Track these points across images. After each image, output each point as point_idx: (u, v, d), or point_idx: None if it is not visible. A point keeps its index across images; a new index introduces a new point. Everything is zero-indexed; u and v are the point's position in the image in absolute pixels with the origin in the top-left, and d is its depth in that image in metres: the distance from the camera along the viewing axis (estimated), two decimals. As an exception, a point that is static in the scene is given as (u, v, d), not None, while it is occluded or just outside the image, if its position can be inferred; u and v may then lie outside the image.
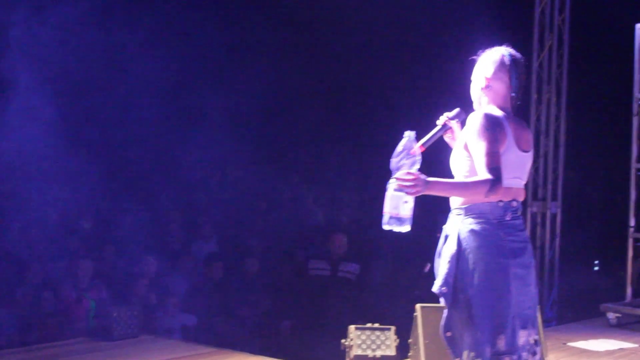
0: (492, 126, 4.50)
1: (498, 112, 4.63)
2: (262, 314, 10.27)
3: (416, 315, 7.05)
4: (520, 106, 10.42)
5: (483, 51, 4.81)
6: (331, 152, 16.08)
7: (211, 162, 14.12)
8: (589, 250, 12.37)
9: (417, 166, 4.47)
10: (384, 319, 7.56)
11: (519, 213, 4.67)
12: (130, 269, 10.14)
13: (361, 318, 7.56)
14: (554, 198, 10.74)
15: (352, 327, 7.21)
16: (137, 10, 11.34)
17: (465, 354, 4.57)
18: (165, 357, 7.86)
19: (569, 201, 11.34)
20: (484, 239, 4.52)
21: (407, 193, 4.38)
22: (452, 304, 4.58)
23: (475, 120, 4.56)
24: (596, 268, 12.53)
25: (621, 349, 8.19)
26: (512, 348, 4.52)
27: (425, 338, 6.95)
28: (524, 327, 4.58)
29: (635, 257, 9.34)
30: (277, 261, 11.18)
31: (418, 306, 7.10)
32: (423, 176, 4.35)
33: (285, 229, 12.78)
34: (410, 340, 7.22)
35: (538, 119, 10.72)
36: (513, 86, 4.70)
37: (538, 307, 4.84)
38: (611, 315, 9.00)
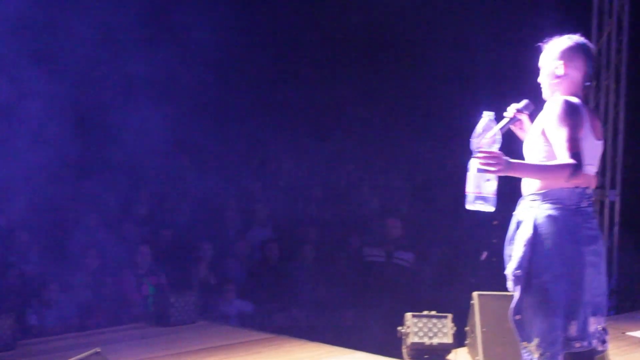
0: (572, 112, 4.48)
1: (575, 100, 4.59)
2: (318, 301, 10.30)
3: (473, 303, 7.06)
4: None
5: (550, 39, 4.77)
6: (385, 139, 16.08)
7: (266, 151, 14.20)
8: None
9: (497, 145, 4.49)
10: (440, 307, 7.56)
11: (593, 199, 4.67)
12: (188, 255, 10.24)
13: (417, 305, 7.57)
14: (613, 186, 10.64)
15: (408, 315, 7.22)
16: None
17: (535, 341, 4.56)
18: (222, 342, 7.94)
19: (628, 189, 11.22)
20: (562, 225, 4.51)
21: (490, 172, 4.40)
22: (525, 288, 4.58)
23: (555, 106, 4.54)
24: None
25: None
26: (583, 334, 4.53)
27: (482, 326, 6.96)
28: (594, 315, 4.57)
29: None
30: (332, 248, 11.21)
31: (475, 294, 7.10)
32: (505, 156, 4.37)
33: (339, 216, 12.82)
34: (467, 328, 7.23)
35: (597, 106, 10.62)
36: (587, 75, 4.70)
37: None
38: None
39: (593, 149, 4.60)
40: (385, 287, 9.63)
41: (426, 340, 7.14)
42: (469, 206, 4.59)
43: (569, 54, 4.67)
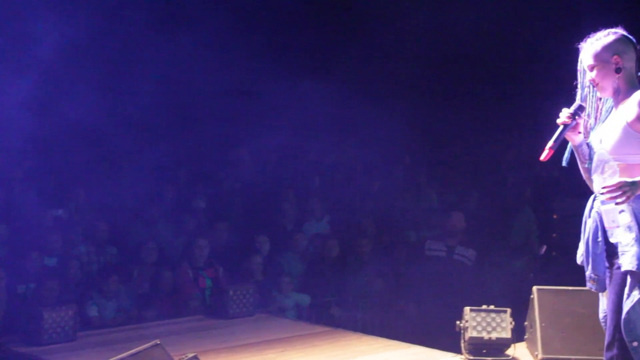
0: None
1: None
2: (376, 295, 10.31)
3: (533, 298, 7.02)
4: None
5: (588, 37, 4.71)
6: (443, 134, 16.03)
7: (324, 144, 14.21)
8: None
9: (617, 175, 4.49)
10: (500, 302, 7.53)
11: None
12: (245, 247, 10.30)
13: (477, 301, 7.54)
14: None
15: (467, 309, 7.19)
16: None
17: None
18: (280, 335, 7.98)
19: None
20: None
21: (620, 203, 4.39)
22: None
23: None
24: None
25: None
26: None
27: (541, 321, 6.91)
28: None
29: None
30: (391, 242, 11.20)
31: (535, 288, 7.06)
32: (626, 180, 4.37)
33: (397, 209, 12.81)
34: (526, 323, 7.20)
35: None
36: (638, 66, 4.65)
37: None
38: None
39: None
40: (445, 282, 9.60)
41: (485, 335, 7.09)
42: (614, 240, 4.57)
43: (622, 47, 4.61)
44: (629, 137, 4.52)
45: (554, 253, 10.91)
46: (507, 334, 7.12)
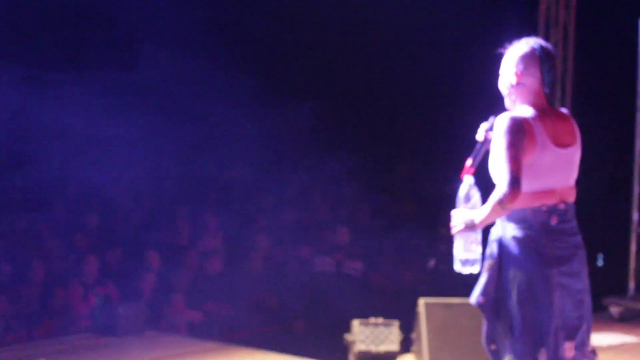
0: (511, 130, 4.19)
1: (528, 112, 4.29)
2: (268, 310, 10.34)
3: (419, 311, 7.13)
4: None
5: (510, 44, 4.43)
6: (335, 148, 16.20)
7: (220, 160, 14.16)
8: (591, 245, 12.36)
9: (472, 203, 4.41)
10: (389, 315, 7.62)
11: (569, 216, 4.32)
12: (136, 264, 10.21)
13: (367, 314, 7.63)
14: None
15: (355, 322, 7.27)
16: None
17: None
18: (170, 352, 7.94)
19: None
20: (526, 246, 4.25)
21: (453, 234, 4.45)
22: (495, 314, 4.35)
23: (499, 124, 4.25)
24: (599, 262, 12.56)
25: (624, 344, 8.25)
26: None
27: (428, 333, 7.03)
28: (569, 339, 4.28)
29: (638, 251, 9.38)
30: (283, 256, 11.24)
31: (421, 301, 7.17)
32: (469, 214, 4.33)
33: (289, 224, 12.85)
34: (413, 335, 7.30)
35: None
36: (546, 82, 4.32)
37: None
38: (614, 310, 9.05)
39: (559, 159, 4.29)
40: (334, 296, 9.68)
41: (373, 348, 7.19)
42: (458, 269, 4.54)
43: (523, 61, 4.34)
44: (494, 161, 4.37)
45: (442, 266, 11.07)
46: (395, 346, 7.23)
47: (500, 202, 4.12)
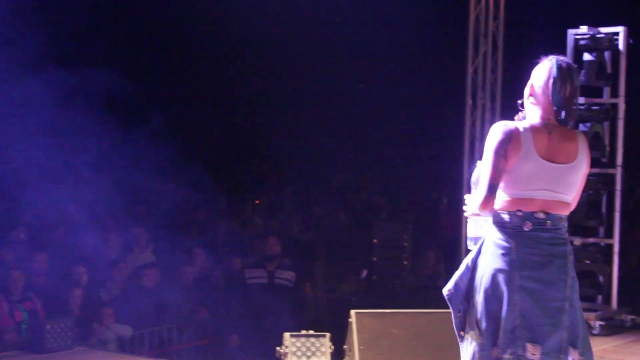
0: (497, 139, 4.46)
1: (528, 123, 4.54)
2: (199, 324, 10.23)
3: (351, 321, 7.09)
4: (459, 113, 10.47)
5: (545, 57, 4.62)
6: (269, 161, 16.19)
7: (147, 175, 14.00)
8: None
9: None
10: (321, 326, 7.59)
11: (549, 226, 4.48)
12: (64, 279, 10.03)
13: (299, 326, 7.58)
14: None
15: (286, 335, 7.22)
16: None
17: (466, 355, 4.61)
18: (99, 368, 7.82)
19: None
20: (495, 246, 4.51)
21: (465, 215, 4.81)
22: (465, 306, 4.63)
23: (492, 129, 4.55)
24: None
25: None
26: (510, 357, 4.43)
27: (360, 343, 7.00)
28: (533, 342, 4.42)
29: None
30: (214, 269, 11.14)
31: (353, 312, 7.14)
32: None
33: (221, 236, 12.76)
34: (345, 346, 7.26)
35: (473, 125, 10.83)
36: (555, 100, 4.50)
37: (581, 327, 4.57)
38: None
39: (544, 172, 4.48)
40: (268, 308, 9.59)
41: (304, 360, 7.14)
42: (470, 247, 4.80)
43: (539, 77, 4.56)
44: None
45: (374, 277, 11.08)
46: (326, 358, 7.20)
47: (478, 206, 4.56)
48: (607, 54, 9.58)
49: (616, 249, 9.37)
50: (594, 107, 9.50)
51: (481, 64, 10.90)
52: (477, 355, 4.53)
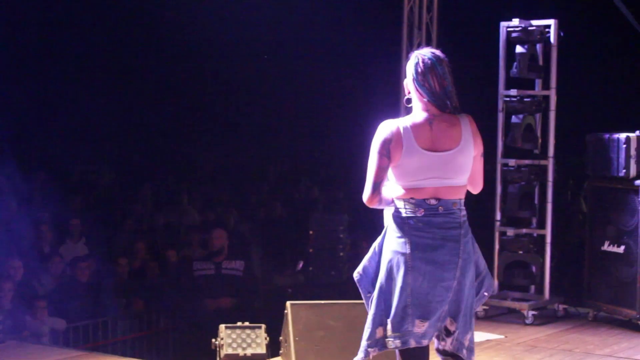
0: (379, 139, 4.72)
1: (410, 119, 4.75)
2: (135, 315, 10.14)
3: (286, 313, 7.07)
4: (394, 103, 10.47)
5: (411, 53, 4.90)
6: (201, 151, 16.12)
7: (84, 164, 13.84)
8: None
9: None
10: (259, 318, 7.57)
11: (442, 211, 4.75)
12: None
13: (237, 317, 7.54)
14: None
15: (222, 326, 7.18)
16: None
17: (364, 334, 4.84)
18: (33, 361, 7.70)
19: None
20: (393, 231, 4.78)
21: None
22: (372, 288, 4.85)
23: (376, 131, 4.79)
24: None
25: (488, 340, 8.37)
26: (400, 334, 4.72)
27: (295, 335, 6.97)
28: (422, 318, 4.73)
29: (501, 249, 9.52)
30: (150, 260, 11.04)
31: (288, 303, 7.12)
32: None
33: (160, 227, 12.66)
34: (281, 338, 7.23)
35: (407, 116, 10.83)
36: (425, 92, 4.74)
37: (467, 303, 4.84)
38: (479, 308, 9.16)
39: (429, 161, 4.71)
40: (215, 298, 9.49)
41: (240, 351, 7.11)
42: None
43: (410, 72, 4.79)
44: None
45: (310, 268, 11.06)
46: (262, 350, 7.17)
47: (365, 202, 4.85)
48: (538, 47, 9.63)
49: (548, 239, 9.45)
50: (526, 99, 9.55)
51: (415, 55, 10.90)
52: (365, 330, 4.81)
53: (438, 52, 4.85)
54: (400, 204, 4.77)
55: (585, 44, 14.61)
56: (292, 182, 16.10)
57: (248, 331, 7.17)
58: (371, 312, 4.81)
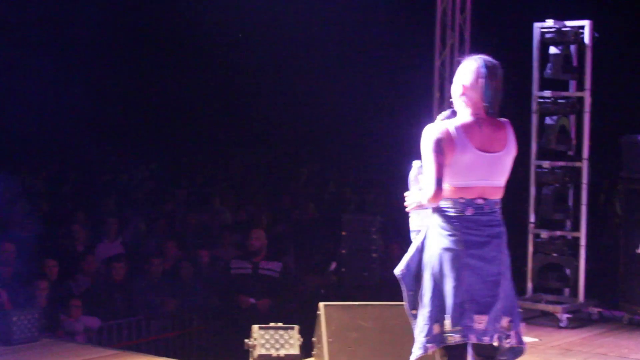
0: (431, 139, 4.87)
1: (460, 120, 4.94)
2: (168, 315, 10.14)
3: (319, 314, 7.03)
4: (427, 104, 10.42)
5: (465, 57, 5.08)
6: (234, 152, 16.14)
7: (117, 164, 13.87)
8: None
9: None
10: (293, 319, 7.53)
11: (487, 210, 4.98)
12: (33, 272, 9.90)
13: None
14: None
15: (255, 327, 7.15)
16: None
17: (416, 330, 5.01)
18: (67, 360, 7.71)
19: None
20: (443, 229, 4.93)
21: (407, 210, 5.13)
22: (416, 285, 5.03)
23: (425, 133, 4.92)
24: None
25: (523, 343, 8.27)
26: (461, 329, 4.87)
27: (328, 336, 6.93)
28: (480, 312, 4.89)
29: (535, 252, 9.43)
30: (181, 261, 11.03)
31: (321, 304, 7.07)
32: (416, 196, 5.04)
33: (192, 228, 12.66)
34: (314, 339, 7.19)
35: (441, 118, 10.76)
36: (486, 96, 4.93)
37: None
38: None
39: (480, 162, 4.92)
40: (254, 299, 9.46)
41: (273, 352, 7.08)
42: (413, 238, 5.16)
43: (469, 75, 4.95)
44: None
45: (343, 269, 11.00)
46: (295, 350, 7.13)
47: (427, 199, 4.91)
48: (572, 48, 9.54)
49: (583, 242, 9.34)
50: (560, 101, 9.46)
51: (448, 57, 10.84)
52: (420, 326, 4.97)
53: (491, 58, 5.03)
54: (448, 203, 4.93)
55: (620, 45, 14.45)
56: (324, 183, 16.08)
57: (281, 332, 7.14)
58: (425, 309, 4.94)
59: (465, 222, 4.92)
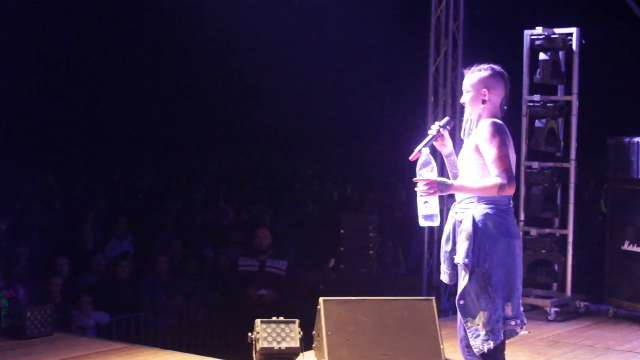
0: (500, 132, 5.04)
1: (499, 121, 5.15)
2: (175, 310, 10.20)
3: (319, 308, 7.09)
4: (422, 108, 10.46)
5: (472, 66, 5.27)
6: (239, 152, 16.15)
7: (123, 164, 13.93)
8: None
9: (434, 172, 5.06)
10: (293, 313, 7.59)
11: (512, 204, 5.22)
12: (46, 268, 9.96)
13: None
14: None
15: (257, 321, 7.20)
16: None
17: (480, 314, 5.04)
18: (79, 353, 7.76)
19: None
20: (498, 221, 5.06)
21: (423, 196, 5.03)
22: (470, 275, 5.05)
23: (485, 127, 5.07)
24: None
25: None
26: (517, 314, 5.12)
27: (327, 329, 6.99)
28: (521, 297, 5.19)
29: (525, 248, 9.48)
30: (187, 258, 11.07)
31: (321, 299, 7.13)
32: (441, 179, 5.03)
33: (197, 226, 12.70)
34: (314, 332, 7.26)
35: (435, 120, 10.82)
36: (505, 99, 5.24)
37: None
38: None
39: (514, 160, 5.15)
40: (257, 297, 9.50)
41: (275, 345, 7.13)
42: (422, 224, 5.15)
43: (492, 82, 5.18)
44: (472, 157, 5.16)
45: (342, 266, 11.07)
46: (296, 344, 7.18)
47: (501, 189, 4.96)
48: (561, 54, 9.62)
49: (570, 238, 9.44)
50: (549, 104, 9.53)
51: (442, 62, 10.91)
52: (491, 314, 5.01)
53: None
54: (498, 197, 5.04)
55: (606, 51, 14.53)
56: (323, 183, 16.13)
57: (282, 326, 7.20)
58: (493, 300, 5.00)
59: (511, 213, 5.13)
